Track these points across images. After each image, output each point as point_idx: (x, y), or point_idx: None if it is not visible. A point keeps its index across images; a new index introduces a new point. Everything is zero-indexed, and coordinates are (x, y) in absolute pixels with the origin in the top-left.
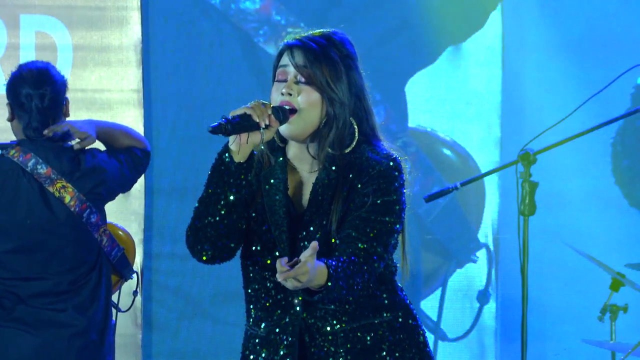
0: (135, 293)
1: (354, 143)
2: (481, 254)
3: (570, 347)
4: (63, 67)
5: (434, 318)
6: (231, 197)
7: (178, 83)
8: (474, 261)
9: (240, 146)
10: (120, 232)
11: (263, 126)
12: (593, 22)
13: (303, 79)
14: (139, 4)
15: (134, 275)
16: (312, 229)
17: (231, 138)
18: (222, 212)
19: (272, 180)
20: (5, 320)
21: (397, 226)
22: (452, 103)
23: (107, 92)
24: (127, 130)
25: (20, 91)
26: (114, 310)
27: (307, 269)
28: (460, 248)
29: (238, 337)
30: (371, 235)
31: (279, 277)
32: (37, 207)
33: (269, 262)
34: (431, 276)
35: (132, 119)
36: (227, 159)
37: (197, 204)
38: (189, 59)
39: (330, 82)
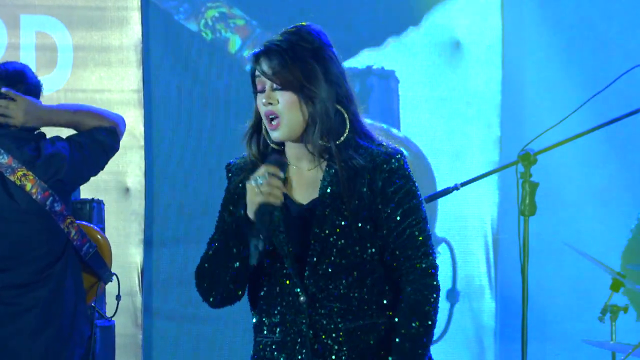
0: (118, 297)
1: (347, 130)
2: (442, 249)
3: (570, 347)
4: (63, 67)
5: None
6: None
7: (178, 83)
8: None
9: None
10: (99, 236)
11: (279, 204)
12: (593, 22)
13: (276, 85)
14: (139, 4)
15: (114, 278)
16: (327, 224)
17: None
18: (243, 270)
19: None
20: None
21: (428, 224)
22: (452, 103)
23: (108, 92)
24: (93, 111)
25: None
26: (101, 313)
27: None
28: None
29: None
30: (417, 251)
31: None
32: None
33: (273, 271)
34: None
35: (133, 119)
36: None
37: (211, 256)
38: (189, 59)
39: (303, 80)
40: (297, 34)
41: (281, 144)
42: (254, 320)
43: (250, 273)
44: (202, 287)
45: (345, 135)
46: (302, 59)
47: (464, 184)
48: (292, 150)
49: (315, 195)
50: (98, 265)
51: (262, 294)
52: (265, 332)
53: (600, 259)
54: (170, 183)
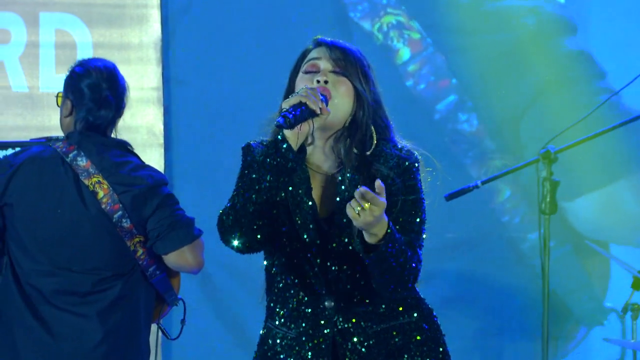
0: (183, 322)
1: (373, 147)
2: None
3: (591, 345)
4: None
5: None
6: (281, 186)
7: (198, 81)
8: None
9: (297, 136)
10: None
11: (318, 112)
12: (614, 21)
13: (338, 69)
14: (159, 1)
15: (181, 303)
16: (346, 233)
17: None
18: (270, 202)
19: (295, 180)
20: (31, 318)
21: (425, 224)
22: None
23: None
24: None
25: (86, 83)
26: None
27: (379, 205)
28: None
29: (254, 338)
30: (409, 232)
31: (356, 196)
32: (70, 196)
33: (294, 266)
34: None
35: (152, 117)
36: (283, 149)
37: (240, 194)
38: (209, 56)
39: (362, 80)
40: (355, 48)
41: (302, 150)
42: (269, 304)
43: (272, 218)
44: (225, 226)
45: (371, 149)
46: (363, 63)
47: (484, 182)
48: (319, 150)
49: (332, 200)
50: (163, 287)
51: (281, 285)
52: (277, 322)
53: (622, 257)
54: (189, 181)
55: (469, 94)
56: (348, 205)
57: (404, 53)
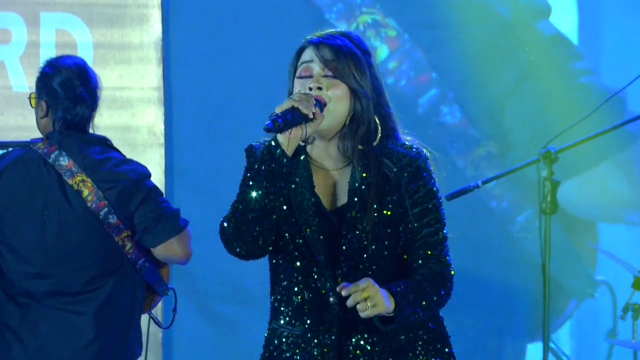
0: (175, 310)
1: (378, 138)
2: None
3: (592, 345)
4: None
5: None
6: (278, 192)
7: (199, 81)
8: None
9: (289, 141)
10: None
11: (311, 117)
12: (613, 22)
13: (330, 73)
14: (160, 1)
15: (172, 292)
16: (357, 229)
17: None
18: (268, 208)
19: (297, 179)
20: (22, 320)
21: (446, 225)
22: None
23: (128, 90)
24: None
25: (58, 82)
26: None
27: (369, 285)
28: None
29: (258, 337)
30: (433, 251)
31: (349, 302)
32: (55, 197)
33: (298, 263)
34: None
35: (153, 117)
36: (277, 155)
37: (238, 200)
38: (210, 56)
39: (357, 76)
40: (348, 37)
41: (297, 154)
42: (273, 304)
43: (273, 223)
44: (226, 233)
45: (377, 141)
46: (357, 56)
47: (485, 182)
48: (320, 148)
49: (341, 197)
50: (153, 278)
51: (284, 283)
52: (282, 321)
53: (623, 257)
54: (190, 181)
55: (449, 86)
56: (359, 304)
57: (382, 51)
